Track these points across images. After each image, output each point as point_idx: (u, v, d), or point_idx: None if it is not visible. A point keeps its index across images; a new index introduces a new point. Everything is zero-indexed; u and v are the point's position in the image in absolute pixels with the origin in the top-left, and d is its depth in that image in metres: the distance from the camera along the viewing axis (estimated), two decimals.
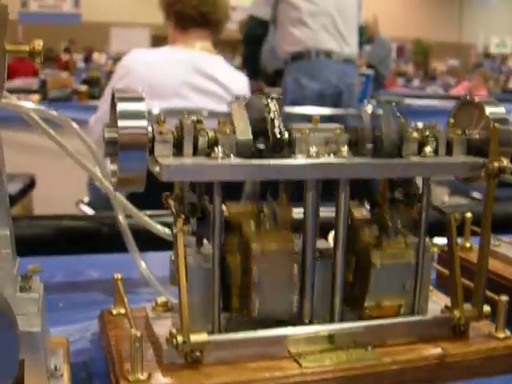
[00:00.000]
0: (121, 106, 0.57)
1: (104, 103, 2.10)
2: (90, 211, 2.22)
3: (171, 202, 0.65)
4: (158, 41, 7.32)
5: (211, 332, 0.62)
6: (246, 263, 0.63)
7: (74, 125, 0.75)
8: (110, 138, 0.58)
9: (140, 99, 0.59)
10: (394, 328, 0.68)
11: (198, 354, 0.60)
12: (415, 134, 0.66)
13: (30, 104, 0.71)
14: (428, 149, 0.66)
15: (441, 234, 0.73)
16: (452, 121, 0.71)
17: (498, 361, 0.68)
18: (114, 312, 0.71)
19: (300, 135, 0.63)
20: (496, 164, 0.65)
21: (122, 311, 0.70)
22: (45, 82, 4.65)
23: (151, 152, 0.59)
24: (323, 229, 0.71)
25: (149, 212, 0.85)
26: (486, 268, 0.68)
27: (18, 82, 5.19)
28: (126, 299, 0.67)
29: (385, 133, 0.65)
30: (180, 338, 0.59)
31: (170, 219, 0.65)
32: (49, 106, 0.75)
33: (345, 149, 0.64)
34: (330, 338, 0.65)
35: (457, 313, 0.68)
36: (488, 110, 0.69)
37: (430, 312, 0.70)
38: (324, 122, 0.66)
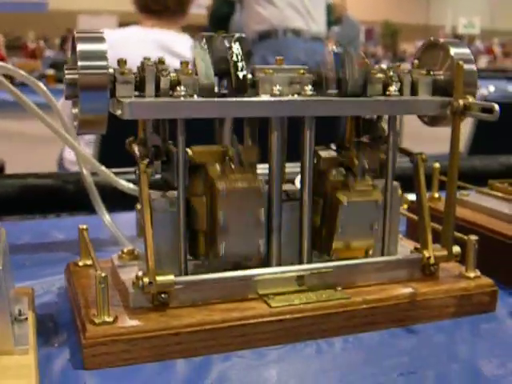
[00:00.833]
0: (81, 47, 0.56)
1: None
2: None
3: (135, 147, 0.63)
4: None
5: (178, 275, 0.61)
6: (212, 207, 0.62)
7: (41, 85, 0.74)
8: (71, 80, 0.57)
9: (100, 39, 0.57)
10: (364, 268, 0.67)
11: (164, 296, 0.59)
12: (379, 75, 0.66)
13: None
14: (393, 87, 0.66)
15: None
16: (417, 62, 0.70)
17: (469, 300, 0.68)
18: (81, 263, 0.70)
19: (264, 75, 0.62)
20: (461, 101, 0.65)
21: (89, 263, 0.69)
22: None
23: (113, 94, 0.58)
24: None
25: (114, 170, 0.84)
26: (454, 207, 0.68)
27: None
28: (91, 247, 0.66)
29: (349, 73, 0.64)
30: (146, 280, 0.58)
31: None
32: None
33: (309, 88, 0.63)
34: (299, 279, 0.65)
35: (426, 252, 0.68)
36: (453, 50, 0.69)
37: (399, 254, 0.70)
38: None
